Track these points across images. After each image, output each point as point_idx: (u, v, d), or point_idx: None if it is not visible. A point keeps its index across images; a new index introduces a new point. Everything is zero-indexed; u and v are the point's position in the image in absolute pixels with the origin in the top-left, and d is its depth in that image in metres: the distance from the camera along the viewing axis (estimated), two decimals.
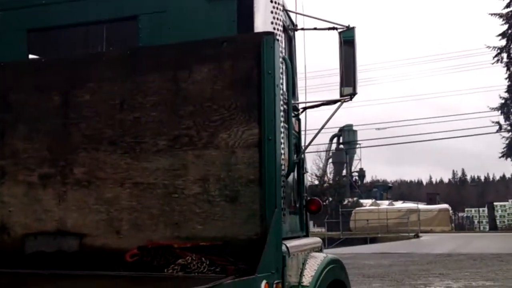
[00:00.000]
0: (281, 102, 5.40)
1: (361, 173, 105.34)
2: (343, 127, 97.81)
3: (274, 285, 4.90)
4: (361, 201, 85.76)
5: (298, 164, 6.80)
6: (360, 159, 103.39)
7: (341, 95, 6.44)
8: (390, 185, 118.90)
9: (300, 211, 6.82)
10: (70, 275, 5.20)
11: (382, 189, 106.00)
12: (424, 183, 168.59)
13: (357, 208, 74.90)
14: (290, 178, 6.23)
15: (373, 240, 52.38)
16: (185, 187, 5.32)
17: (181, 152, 5.35)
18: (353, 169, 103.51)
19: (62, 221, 5.62)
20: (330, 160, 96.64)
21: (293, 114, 6.61)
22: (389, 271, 25.26)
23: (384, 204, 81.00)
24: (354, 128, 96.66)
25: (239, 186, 5.18)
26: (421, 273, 24.42)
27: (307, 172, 7.48)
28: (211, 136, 5.30)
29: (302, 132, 6.95)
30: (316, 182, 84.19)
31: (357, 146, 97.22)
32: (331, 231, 60.77)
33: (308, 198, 7.18)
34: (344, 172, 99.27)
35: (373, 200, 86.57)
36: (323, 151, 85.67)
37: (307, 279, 5.94)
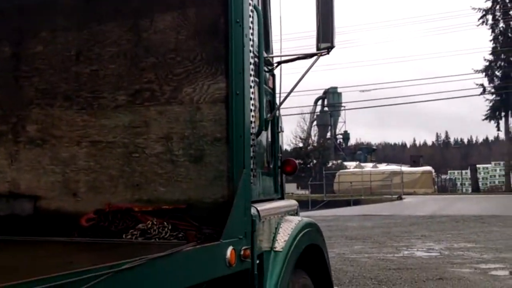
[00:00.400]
0: (251, 55, 4.97)
1: (346, 135, 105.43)
2: (328, 89, 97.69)
3: (242, 251, 4.54)
4: (345, 163, 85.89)
5: (272, 122, 6.40)
6: (344, 122, 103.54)
7: (318, 49, 6.01)
8: (374, 147, 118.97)
9: (275, 172, 6.43)
10: (21, 241, 4.80)
11: (366, 152, 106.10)
12: (408, 145, 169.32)
13: (340, 171, 75.01)
14: (263, 137, 5.84)
15: (357, 203, 52.36)
16: (147, 146, 4.92)
17: (142, 108, 4.94)
18: (337, 131, 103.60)
19: (14, 182, 5.21)
20: (315, 123, 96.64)
21: (266, 69, 6.19)
22: (371, 233, 25.13)
23: (368, 166, 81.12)
24: (339, 90, 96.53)
25: (204, 145, 4.79)
26: (404, 235, 24.29)
27: (282, 131, 7.07)
28: (174, 91, 4.88)
29: (278, 89, 6.53)
30: (301, 145, 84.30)
31: (342, 108, 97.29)
32: (315, 194, 60.69)
33: (283, 159, 6.79)
34: (329, 134, 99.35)
35: (357, 162, 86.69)
36: (307, 113, 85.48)
37: (280, 244, 5.58)
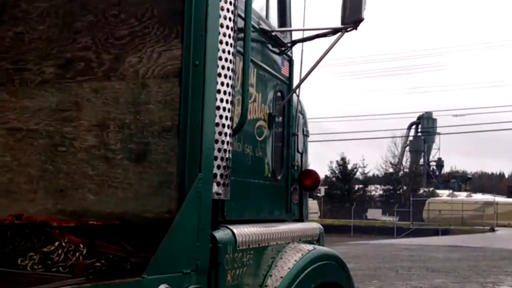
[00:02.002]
0: (228, 14, 3.53)
1: (439, 162, 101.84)
2: (422, 114, 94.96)
3: None
4: (438, 191, 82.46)
5: (287, 121, 4.95)
6: (438, 149, 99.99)
7: (344, 23, 4.54)
8: (469, 176, 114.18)
9: (287, 186, 4.95)
10: None
11: (460, 180, 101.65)
12: (506, 175, 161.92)
13: (431, 198, 71.79)
14: (266, 139, 4.46)
15: (445, 232, 49.71)
16: (76, 137, 3.60)
17: (74, 85, 3.63)
18: (431, 158, 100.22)
19: None
20: (407, 148, 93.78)
21: (277, 50, 4.77)
22: (456, 266, 23.02)
23: (462, 195, 77.39)
24: (434, 116, 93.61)
25: (149, 136, 3.42)
26: (492, 270, 22.04)
27: (306, 135, 5.58)
28: (115, 61, 3.55)
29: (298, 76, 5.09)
30: (391, 170, 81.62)
31: (436, 134, 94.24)
32: (402, 221, 58.12)
33: (303, 169, 5.31)
34: (421, 161, 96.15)
35: (450, 191, 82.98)
36: (399, 136, 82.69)
37: (273, 281, 4.10)
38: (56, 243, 3.17)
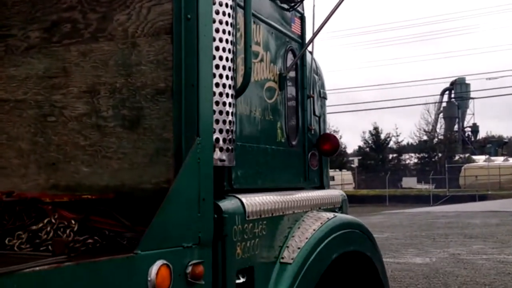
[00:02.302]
0: None
1: (474, 128, 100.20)
2: (455, 80, 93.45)
3: (189, 269, 2.82)
4: (474, 157, 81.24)
5: (301, 83, 4.63)
6: (473, 114, 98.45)
7: None
8: (505, 140, 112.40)
9: (304, 151, 4.65)
10: None
11: (496, 145, 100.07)
12: None
13: (467, 164, 70.74)
14: (276, 100, 4.15)
15: (482, 198, 48.86)
16: (66, 105, 3.34)
17: (61, 49, 3.36)
18: (465, 124, 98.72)
19: None
20: (441, 115, 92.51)
21: (286, 6, 4.45)
22: (495, 231, 22.57)
23: (499, 160, 76.17)
24: (467, 81, 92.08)
25: (142, 100, 3.14)
26: None
27: (324, 98, 5.24)
28: (102, 20, 3.28)
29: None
30: (425, 138, 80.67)
31: (469, 98, 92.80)
32: (438, 189, 57.40)
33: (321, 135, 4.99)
34: (456, 127, 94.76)
35: (487, 156, 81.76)
36: (432, 103, 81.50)
37: (290, 253, 3.81)
38: (46, 220, 2.91)
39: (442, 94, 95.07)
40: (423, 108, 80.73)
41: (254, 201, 3.53)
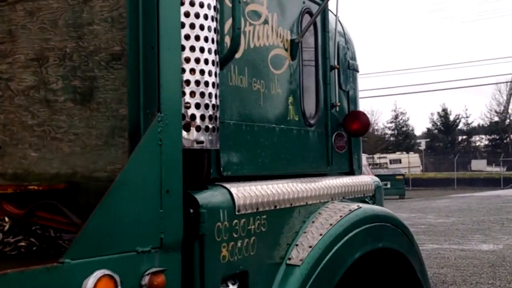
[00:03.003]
0: None
1: None
2: None
3: (145, 280, 2.22)
4: None
5: (322, 51, 3.96)
6: None
7: None
8: None
9: (326, 131, 3.98)
10: None
11: None
12: None
13: None
14: (285, 71, 3.48)
15: None
16: (12, 76, 2.77)
17: (6, 8, 2.81)
18: None
19: None
20: None
21: None
22: None
23: None
24: None
25: (95, 68, 2.56)
26: None
27: (355, 69, 4.53)
28: None
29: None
30: (496, 119, 78.08)
31: None
32: (510, 171, 55.37)
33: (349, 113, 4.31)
34: None
35: None
36: (504, 82, 78.58)
37: (299, 252, 3.17)
38: None
39: None
40: (494, 88, 78.00)
41: (248, 191, 2.90)
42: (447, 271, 11.49)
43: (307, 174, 3.67)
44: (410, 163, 58.60)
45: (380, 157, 65.48)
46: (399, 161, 62.32)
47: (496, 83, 75.65)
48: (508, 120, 79.73)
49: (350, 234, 3.42)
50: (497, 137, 76.46)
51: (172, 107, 2.40)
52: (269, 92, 3.34)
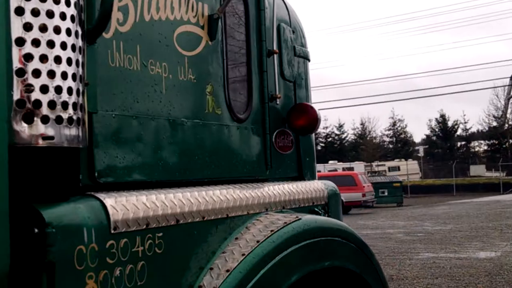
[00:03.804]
0: None
1: None
2: None
3: None
4: None
5: (257, 32, 3.31)
6: None
7: None
8: None
9: (263, 127, 3.30)
10: None
11: None
12: None
13: None
14: (190, 50, 2.83)
15: None
16: None
17: None
18: None
19: None
20: (511, 100, 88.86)
21: None
22: None
23: None
24: None
25: None
26: None
27: (303, 56, 3.84)
28: None
29: None
30: (494, 124, 77.48)
31: None
32: (509, 176, 54.69)
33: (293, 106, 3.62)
34: None
35: None
36: (500, 86, 77.91)
37: (213, 278, 2.50)
38: None
39: None
40: (492, 93, 77.31)
41: (134, 202, 2.22)
42: (441, 281, 10.88)
43: (236, 179, 3.00)
44: (409, 170, 57.87)
45: (378, 165, 64.91)
46: (398, 168, 61.69)
47: (494, 87, 75.08)
48: (506, 125, 79.07)
49: (285, 253, 2.75)
50: (496, 142, 75.80)
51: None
52: (176, 78, 2.67)
